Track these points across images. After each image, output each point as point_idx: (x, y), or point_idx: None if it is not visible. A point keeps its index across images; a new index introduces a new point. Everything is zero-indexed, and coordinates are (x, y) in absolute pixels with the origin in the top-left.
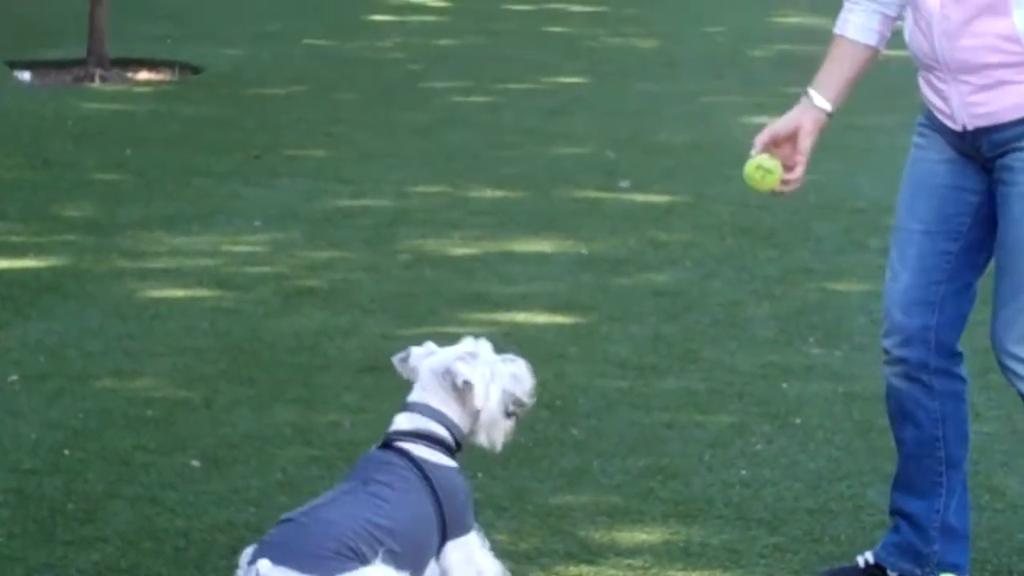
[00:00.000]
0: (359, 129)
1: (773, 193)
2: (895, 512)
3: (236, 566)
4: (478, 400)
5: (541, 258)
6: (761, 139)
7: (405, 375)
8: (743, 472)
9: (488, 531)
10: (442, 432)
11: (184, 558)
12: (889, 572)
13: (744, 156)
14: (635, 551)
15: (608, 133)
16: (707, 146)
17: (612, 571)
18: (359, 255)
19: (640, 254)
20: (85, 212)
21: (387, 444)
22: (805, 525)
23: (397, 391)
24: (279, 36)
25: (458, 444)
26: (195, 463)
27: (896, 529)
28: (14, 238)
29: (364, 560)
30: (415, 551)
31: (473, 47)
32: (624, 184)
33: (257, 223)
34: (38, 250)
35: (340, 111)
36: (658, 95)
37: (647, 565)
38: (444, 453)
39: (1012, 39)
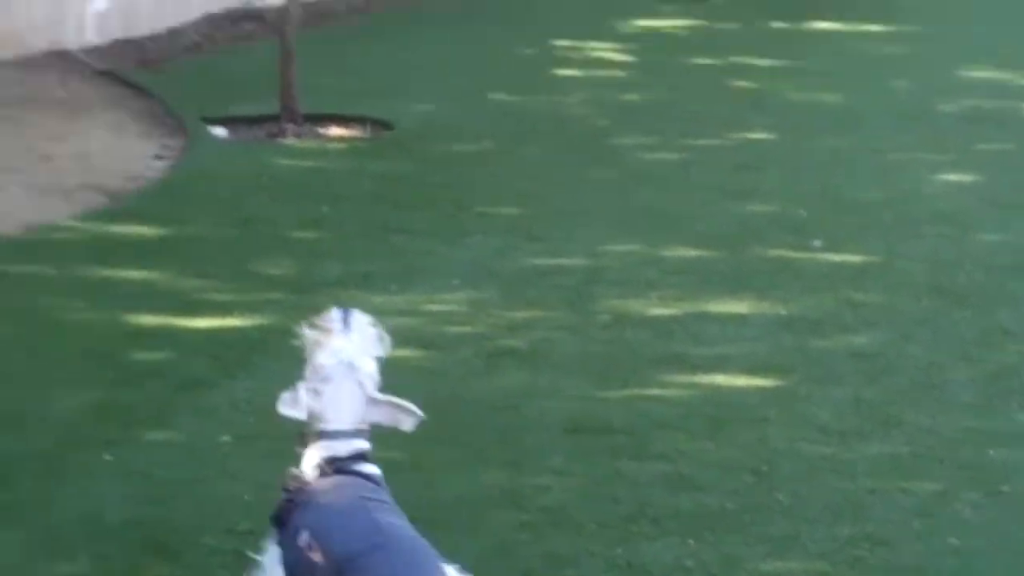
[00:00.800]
0: (548, 185)
1: None
2: None
3: None
4: None
5: (738, 319)
6: None
7: None
8: (953, 541)
9: None
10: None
11: None
12: None
13: (936, 212)
14: None
15: (797, 189)
16: (897, 203)
17: None
18: (557, 314)
19: (837, 315)
20: (285, 270)
21: None
22: None
23: (602, 453)
24: (466, 92)
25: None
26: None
27: None
28: (218, 296)
29: None
30: None
31: (658, 102)
32: (816, 243)
33: (455, 282)
34: (241, 308)
35: (528, 167)
36: (845, 150)
37: None
38: None
39: None
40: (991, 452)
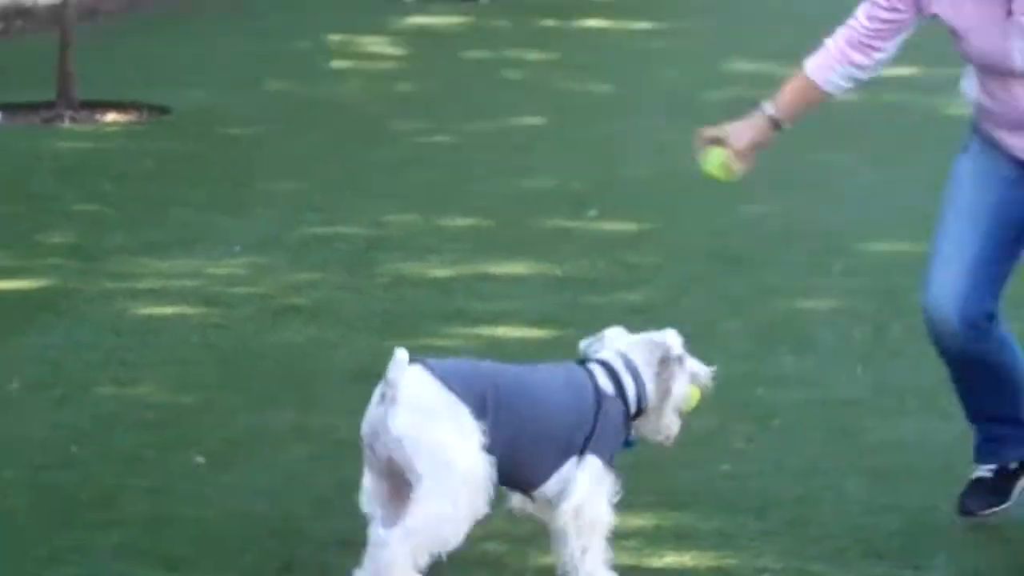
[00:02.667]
0: (327, 165)
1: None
2: (984, 419)
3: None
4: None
5: (517, 279)
6: (710, 134)
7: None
8: (726, 467)
9: None
10: (630, 384)
11: (202, 541)
12: (1010, 464)
13: (706, 186)
14: (629, 535)
15: (571, 167)
16: (669, 178)
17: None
18: (339, 277)
19: (612, 275)
20: (70, 239)
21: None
22: (790, 513)
23: None
24: (241, 81)
25: (638, 412)
26: (200, 459)
27: (991, 435)
28: (5, 263)
29: (480, 412)
30: (553, 445)
31: (432, 92)
32: (592, 213)
33: (237, 248)
34: (27, 273)
35: (307, 149)
36: (617, 134)
37: (640, 546)
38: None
39: None
40: (761, 391)
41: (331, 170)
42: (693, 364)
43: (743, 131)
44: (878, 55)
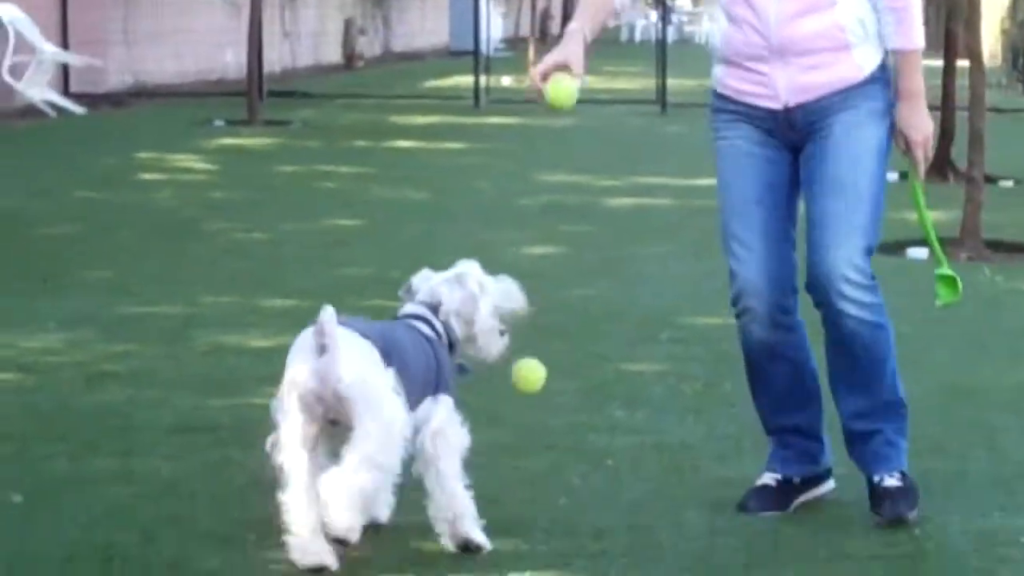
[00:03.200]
0: (140, 257)
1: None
2: (779, 431)
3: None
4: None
5: None
6: (544, 67)
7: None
8: (563, 500)
9: None
10: (438, 324)
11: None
12: (795, 478)
13: (524, 274)
14: (467, 558)
15: (390, 259)
16: (487, 268)
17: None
18: (156, 348)
19: None
20: None
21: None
22: (628, 537)
23: (211, 445)
24: (51, 190)
25: (452, 345)
26: (17, 499)
27: (784, 445)
28: None
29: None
30: (419, 388)
31: (246, 199)
32: None
33: (51, 325)
34: None
35: (122, 244)
36: (434, 233)
37: (481, 568)
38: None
39: (835, 26)
40: (592, 437)
41: (143, 262)
42: (497, 289)
43: (575, 51)
44: None
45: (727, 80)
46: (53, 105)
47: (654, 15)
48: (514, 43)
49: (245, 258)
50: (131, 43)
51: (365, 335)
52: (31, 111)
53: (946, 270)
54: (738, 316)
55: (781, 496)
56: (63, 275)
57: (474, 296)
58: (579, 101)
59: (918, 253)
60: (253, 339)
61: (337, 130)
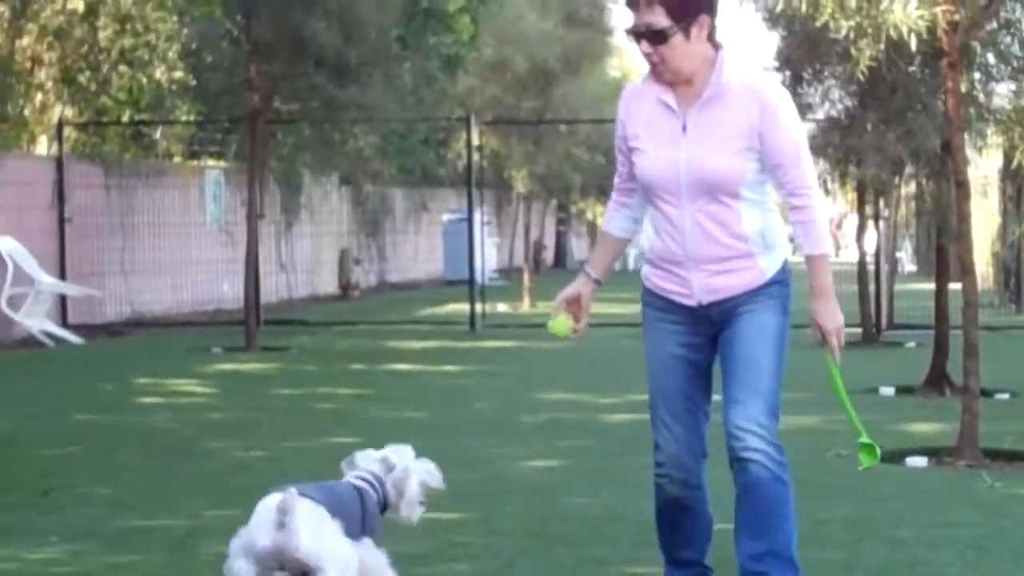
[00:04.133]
0: (141, 475)
1: (568, 337)
2: (680, 562)
3: None
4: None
5: None
6: (557, 303)
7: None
8: None
9: None
10: (379, 488)
11: None
12: None
13: (525, 486)
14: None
15: None
16: (489, 481)
17: None
18: (160, 558)
19: (441, 552)
20: None
21: None
22: None
23: None
24: (49, 414)
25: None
26: None
27: (683, 572)
28: None
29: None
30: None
31: (245, 419)
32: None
33: (53, 539)
34: None
35: (121, 463)
36: (435, 450)
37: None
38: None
39: (740, 239)
40: None
41: (143, 478)
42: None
43: (580, 290)
44: (635, 194)
45: (653, 278)
46: (51, 335)
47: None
48: (508, 273)
49: (246, 473)
50: (128, 273)
51: (316, 500)
52: (29, 341)
53: (865, 439)
54: (657, 476)
55: None
56: (62, 490)
57: (407, 471)
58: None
59: (917, 462)
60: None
61: (334, 355)
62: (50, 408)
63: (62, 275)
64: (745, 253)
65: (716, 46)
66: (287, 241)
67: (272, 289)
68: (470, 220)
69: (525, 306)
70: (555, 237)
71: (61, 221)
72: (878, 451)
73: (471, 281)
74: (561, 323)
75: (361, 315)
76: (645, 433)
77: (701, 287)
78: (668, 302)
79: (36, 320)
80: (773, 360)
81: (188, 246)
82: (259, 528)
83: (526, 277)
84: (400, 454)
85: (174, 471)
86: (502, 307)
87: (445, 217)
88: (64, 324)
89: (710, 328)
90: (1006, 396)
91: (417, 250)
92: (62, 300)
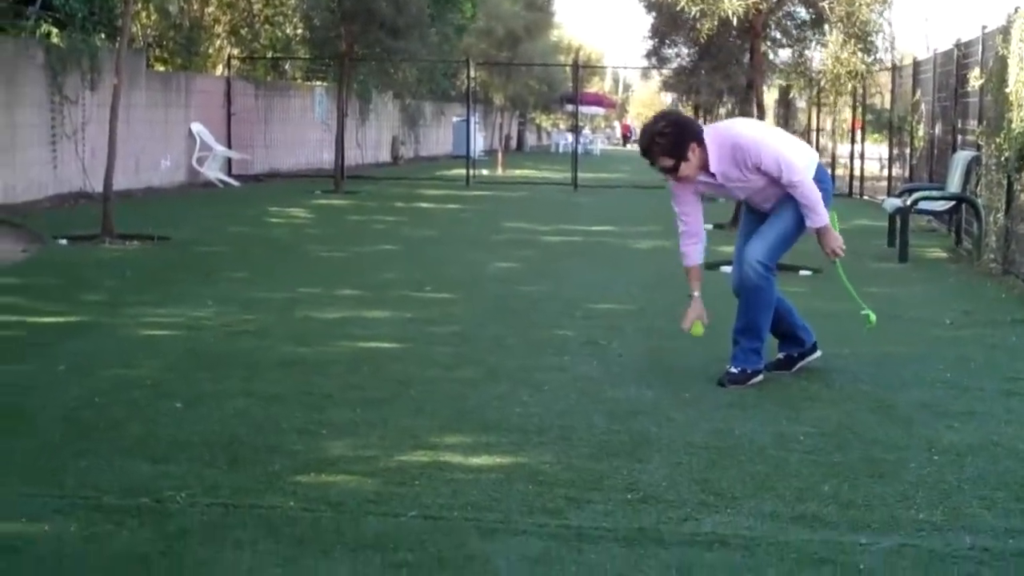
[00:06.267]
0: (264, 266)
1: (704, 334)
2: (776, 334)
3: (208, 453)
4: None
5: (383, 319)
6: (687, 323)
7: None
8: (518, 409)
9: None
10: None
11: (178, 448)
12: (794, 354)
13: (494, 277)
14: (449, 446)
15: (414, 267)
16: (472, 273)
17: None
18: (271, 317)
19: (439, 318)
20: (100, 298)
21: None
22: (558, 433)
23: (308, 375)
24: (211, 226)
25: None
26: (178, 405)
27: (782, 339)
28: (59, 308)
29: None
30: None
31: (329, 234)
32: (428, 288)
33: (209, 302)
34: (74, 313)
35: (253, 257)
36: (441, 254)
37: (454, 454)
38: None
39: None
40: (535, 374)
41: (266, 267)
42: None
43: (696, 307)
44: (695, 236)
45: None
46: (222, 181)
47: (571, 137)
48: (489, 152)
49: (327, 266)
50: (268, 146)
51: None
52: (209, 185)
53: (866, 310)
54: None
55: (787, 363)
56: (217, 273)
57: None
58: (533, 182)
59: None
60: (329, 313)
61: (386, 197)
62: (215, 224)
63: (229, 145)
64: (784, 195)
65: (704, 147)
66: (361, 130)
67: (351, 158)
68: (468, 121)
69: (499, 171)
70: (517, 132)
71: (228, 115)
72: (873, 316)
73: (467, 156)
74: (698, 327)
75: (403, 174)
76: (569, 249)
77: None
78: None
79: (213, 172)
80: (785, 224)
81: (303, 131)
82: None
83: (500, 155)
84: None
85: (284, 263)
86: (485, 171)
87: (454, 119)
88: (229, 174)
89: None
90: None
91: (437, 138)
92: (228, 161)
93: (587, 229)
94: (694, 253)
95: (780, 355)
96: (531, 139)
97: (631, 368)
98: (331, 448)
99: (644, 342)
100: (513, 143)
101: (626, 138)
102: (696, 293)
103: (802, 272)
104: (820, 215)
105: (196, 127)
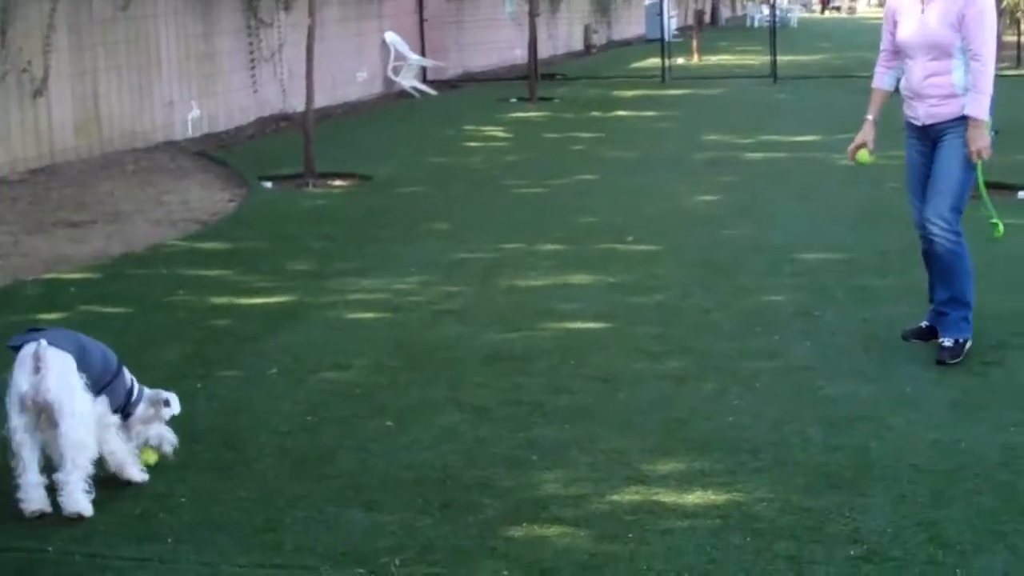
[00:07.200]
0: (465, 210)
1: (870, 163)
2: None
3: (423, 494)
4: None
5: (585, 286)
6: (853, 147)
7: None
8: (730, 418)
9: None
10: (131, 382)
11: (388, 487)
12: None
13: (697, 218)
14: (666, 475)
15: (614, 208)
16: (674, 213)
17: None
18: (474, 287)
19: (643, 282)
20: (308, 266)
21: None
22: (772, 454)
23: (508, 372)
24: (411, 157)
25: (126, 406)
26: (390, 423)
27: (936, 308)
28: (264, 283)
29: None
30: (93, 380)
31: (527, 160)
32: (629, 239)
33: (412, 269)
34: (280, 291)
35: (452, 200)
36: (640, 185)
37: (674, 486)
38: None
39: (948, 84)
40: (746, 363)
41: (467, 213)
42: (164, 431)
43: (868, 132)
44: (895, 59)
45: (904, 109)
46: (417, 90)
47: (766, 10)
48: (682, 30)
49: (527, 209)
50: (461, 49)
51: (66, 351)
52: (404, 94)
53: (996, 219)
54: (919, 237)
55: (928, 334)
56: (417, 226)
57: (157, 418)
58: (730, 74)
59: None
60: (533, 279)
61: (581, 103)
62: (415, 153)
63: (423, 53)
64: (951, 93)
65: None
66: (552, 23)
67: (543, 50)
68: (661, 3)
69: (695, 58)
70: (711, 6)
71: (421, 21)
72: (1001, 227)
73: (662, 42)
74: (864, 156)
75: (596, 69)
76: (771, 170)
77: (925, 113)
78: (910, 125)
79: (408, 81)
80: (958, 171)
81: (494, 31)
82: (19, 375)
83: (694, 39)
84: (172, 405)
85: (484, 204)
86: (680, 60)
87: (646, 1)
88: (424, 81)
89: (930, 143)
90: None
91: (629, 20)
92: (423, 69)
93: (789, 140)
94: (885, 76)
95: (923, 322)
96: (725, 12)
97: (845, 352)
98: (542, 484)
99: (857, 311)
100: (707, 18)
101: (825, 4)
102: (871, 116)
103: (1021, 194)
104: (983, 106)
105: (389, 37)
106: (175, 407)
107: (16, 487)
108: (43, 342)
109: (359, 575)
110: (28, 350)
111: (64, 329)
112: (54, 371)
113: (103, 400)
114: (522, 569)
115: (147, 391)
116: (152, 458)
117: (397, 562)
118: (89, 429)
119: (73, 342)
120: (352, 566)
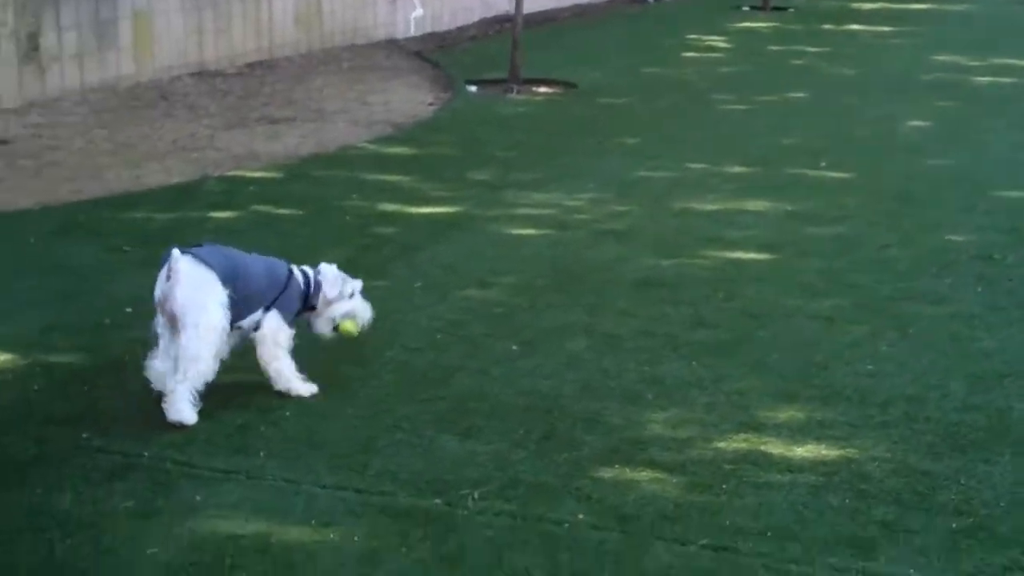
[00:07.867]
0: (663, 124)
1: None
2: None
3: (526, 424)
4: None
5: (760, 213)
6: None
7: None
8: (870, 367)
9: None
10: (312, 282)
11: (493, 415)
12: None
13: (902, 145)
14: (780, 424)
15: (817, 130)
16: (880, 139)
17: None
18: (645, 209)
19: (826, 212)
20: (487, 176)
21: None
22: (903, 408)
23: (654, 300)
24: (625, 66)
25: (310, 306)
26: (515, 347)
27: None
28: (439, 192)
29: (226, 281)
30: (257, 298)
31: (741, 73)
32: (823, 164)
33: (590, 185)
34: (452, 200)
35: (653, 113)
36: (852, 106)
37: (787, 436)
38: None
39: None
40: (908, 305)
41: (663, 128)
42: (360, 306)
43: None
44: None
45: None
46: None
47: None
48: None
49: (726, 126)
50: None
51: (210, 265)
52: None
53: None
54: None
55: None
56: (608, 139)
57: (342, 295)
58: None
59: None
60: (709, 203)
61: (816, 15)
62: (629, 62)
63: None
64: None
65: None
66: None
67: None
68: None
69: None
70: None
71: None
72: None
73: None
74: None
75: None
76: (997, 95)
77: None
78: None
79: None
80: None
81: None
82: (158, 280)
83: None
84: (354, 284)
85: (684, 119)
86: None
87: None
88: None
89: None
90: None
91: None
92: None
93: (1022, 65)
94: None
95: None
96: None
97: (1018, 301)
98: (649, 423)
99: None
100: None
101: None
102: None
103: None
104: None
105: None
106: (357, 284)
107: (144, 367)
108: (176, 252)
109: (435, 506)
110: (168, 258)
111: (224, 248)
112: (183, 283)
113: (274, 315)
114: (599, 514)
115: (329, 274)
116: (353, 328)
117: (476, 495)
118: (209, 344)
119: (224, 260)
120: (430, 496)
